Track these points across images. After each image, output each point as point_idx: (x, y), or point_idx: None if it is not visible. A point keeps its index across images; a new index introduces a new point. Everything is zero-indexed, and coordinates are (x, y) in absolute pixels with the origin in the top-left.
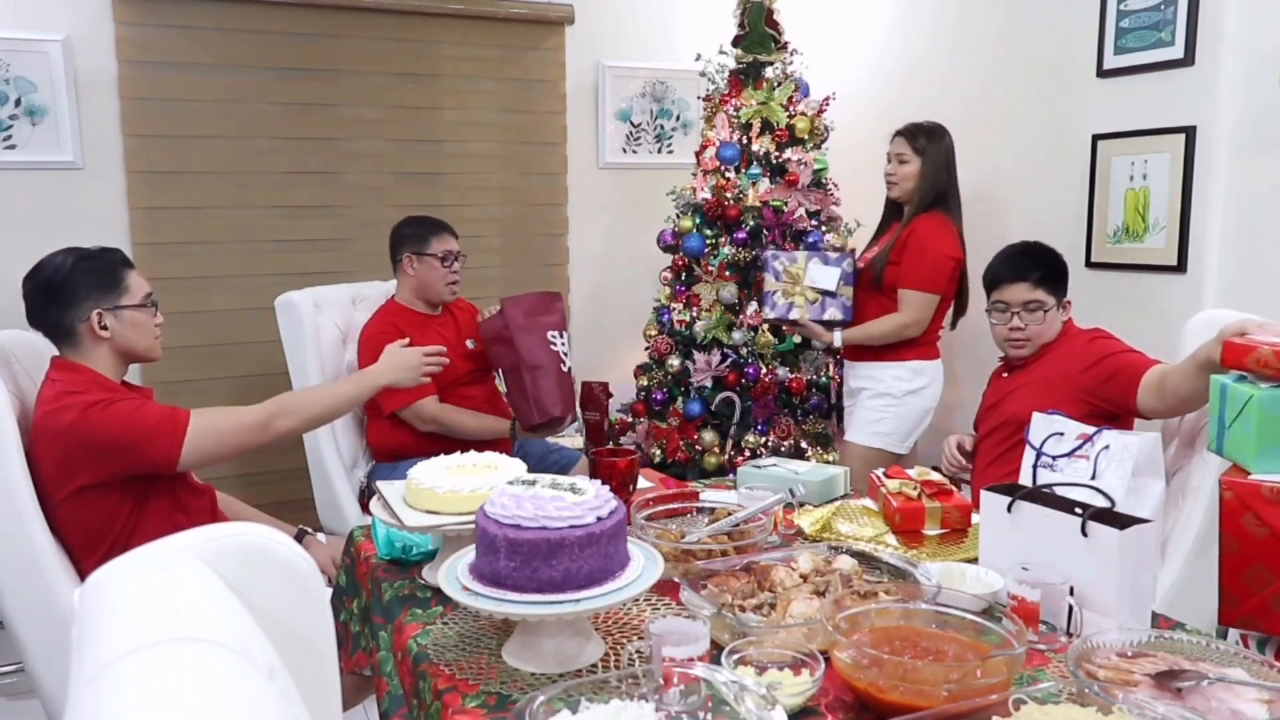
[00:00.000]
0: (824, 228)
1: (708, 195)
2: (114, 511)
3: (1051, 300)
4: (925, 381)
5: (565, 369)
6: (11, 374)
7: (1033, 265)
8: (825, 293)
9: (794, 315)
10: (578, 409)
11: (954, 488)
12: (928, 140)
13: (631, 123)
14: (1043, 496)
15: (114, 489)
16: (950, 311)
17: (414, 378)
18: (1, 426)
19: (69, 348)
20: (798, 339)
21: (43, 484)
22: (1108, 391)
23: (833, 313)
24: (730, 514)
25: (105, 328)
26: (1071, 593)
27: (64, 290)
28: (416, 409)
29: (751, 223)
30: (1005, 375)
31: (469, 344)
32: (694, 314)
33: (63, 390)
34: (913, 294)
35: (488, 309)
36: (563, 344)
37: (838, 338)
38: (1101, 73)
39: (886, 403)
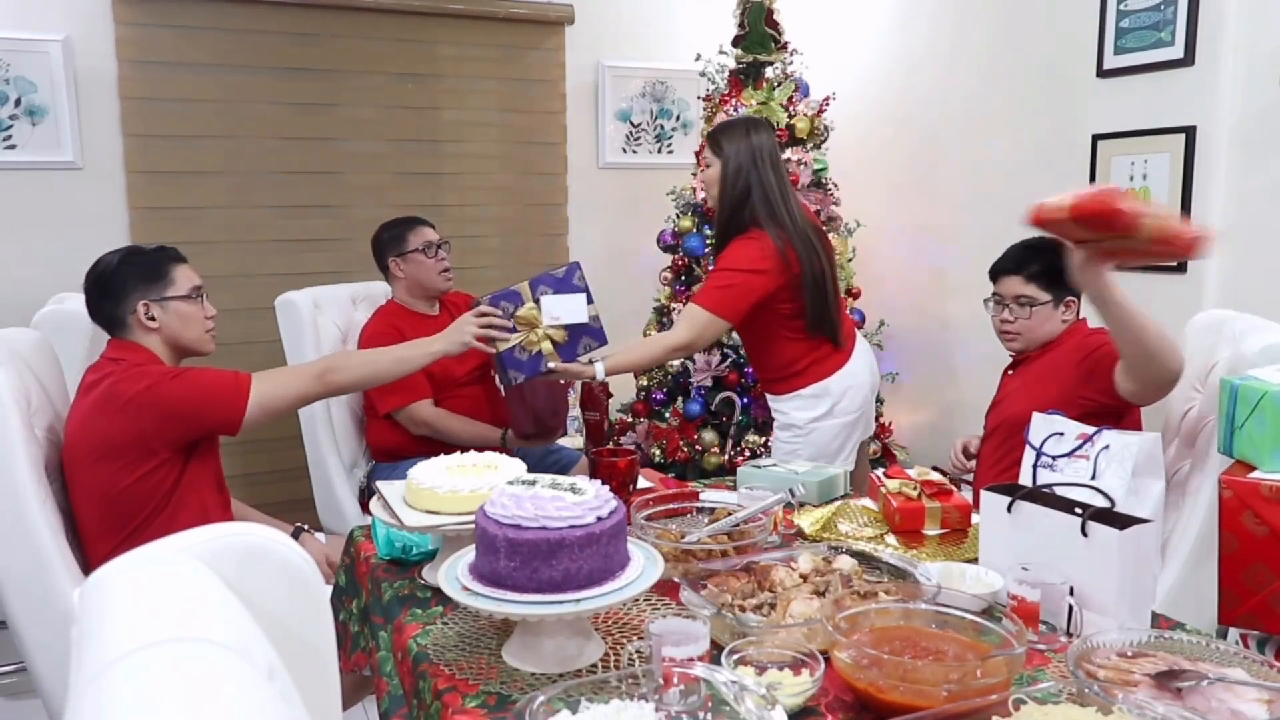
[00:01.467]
0: (824, 228)
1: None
2: (159, 483)
3: (1045, 297)
4: (832, 401)
5: (562, 382)
6: (18, 371)
7: (1030, 260)
8: (575, 325)
9: (551, 366)
10: (575, 415)
11: (954, 488)
12: (726, 140)
13: (631, 123)
14: (1043, 496)
15: (167, 459)
16: (809, 324)
17: (461, 339)
18: (7, 425)
19: (126, 339)
20: None
21: (100, 450)
22: (1096, 383)
23: (588, 343)
24: (730, 514)
25: (153, 319)
26: (1071, 593)
27: (112, 283)
28: (410, 411)
29: None
30: (1010, 372)
31: None
32: None
33: (133, 363)
34: (696, 310)
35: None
36: None
37: (600, 369)
38: (1101, 73)
39: (794, 434)
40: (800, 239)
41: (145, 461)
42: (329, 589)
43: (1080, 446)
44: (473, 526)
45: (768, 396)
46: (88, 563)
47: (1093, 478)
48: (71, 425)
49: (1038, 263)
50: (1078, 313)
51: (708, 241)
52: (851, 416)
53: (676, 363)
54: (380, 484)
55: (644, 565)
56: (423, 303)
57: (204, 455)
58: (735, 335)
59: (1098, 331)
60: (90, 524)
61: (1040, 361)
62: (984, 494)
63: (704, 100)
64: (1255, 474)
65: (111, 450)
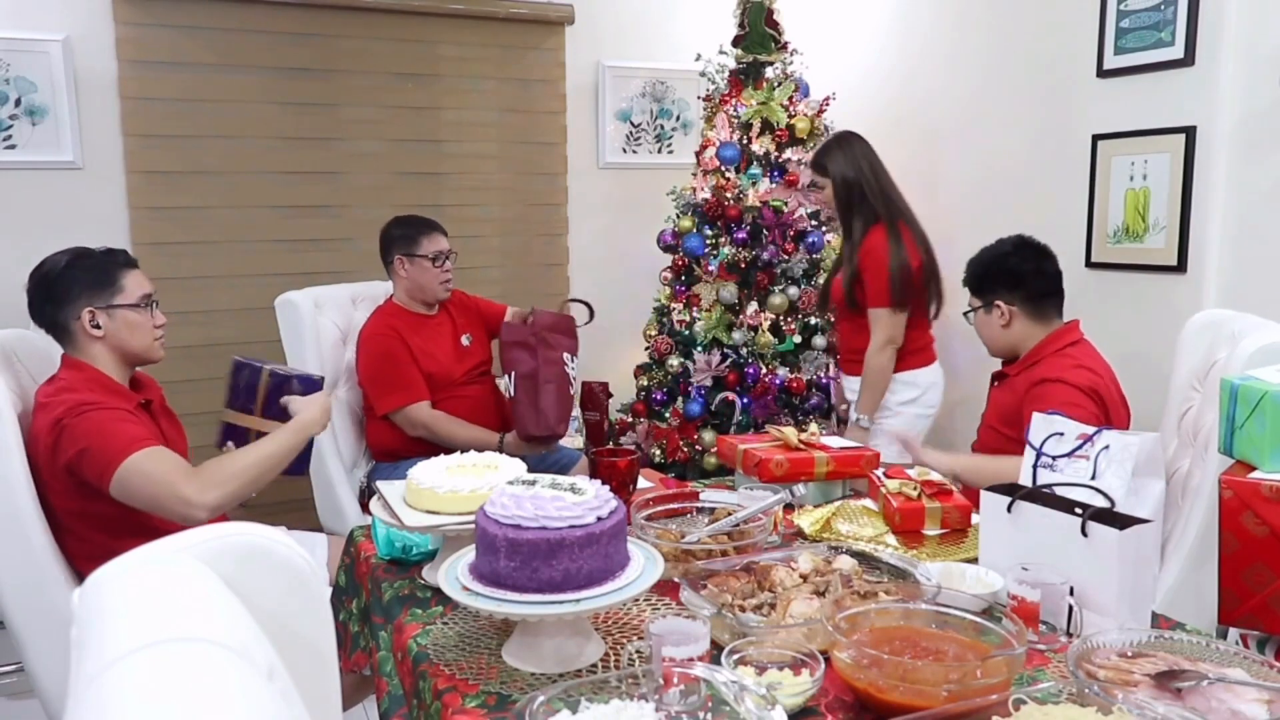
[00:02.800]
0: (824, 228)
1: (708, 195)
2: (97, 505)
3: (976, 302)
4: (919, 391)
5: (570, 392)
6: (14, 373)
7: (967, 269)
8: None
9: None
10: (576, 415)
11: (954, 488)
12: (827, 159)
13: (631, 123)
14: (1043, 496)
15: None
16: (933, 311)
17: (326, 422)
18: (2, 426)
19: (69, 346)
20: (798, 339)
21: (38, 476)
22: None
23: None
24: (730, 514)
25: (98, 326)
26: (1071, 593)
27: (58, 287)
28: (407, 413)
29: (751, 223)
30: (996, 384)
31: (464, 341)
32: (694, 314)
33: (62, 386)
34: (878, 311)
35: (513, 310)
36: (573, 368)
37: (864, 420)
38: (1101, 73)
39: (880, 415)
40: (913, 224)
41: (74, 485)
42: (329, 589)
43: (1080, 446)
44: (473, 526)
45: (854, 379)
46: (77, 572)
47: (1093, 478)
48: (28, 442)
49: (968, 269)
50: (1011, 318)
51: (708, 242)
52: (929, 411)
53: (676, 362)
54: (380, 484)
55: (644, 565)
56: (421, 304)
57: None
58: (736, 335)
59: (1052, 381)
60: (67, 533)
61: (1017, 380)
62: (984, 494)
63: (704, 100)
64: (1255, 474)
65: (46, 474)
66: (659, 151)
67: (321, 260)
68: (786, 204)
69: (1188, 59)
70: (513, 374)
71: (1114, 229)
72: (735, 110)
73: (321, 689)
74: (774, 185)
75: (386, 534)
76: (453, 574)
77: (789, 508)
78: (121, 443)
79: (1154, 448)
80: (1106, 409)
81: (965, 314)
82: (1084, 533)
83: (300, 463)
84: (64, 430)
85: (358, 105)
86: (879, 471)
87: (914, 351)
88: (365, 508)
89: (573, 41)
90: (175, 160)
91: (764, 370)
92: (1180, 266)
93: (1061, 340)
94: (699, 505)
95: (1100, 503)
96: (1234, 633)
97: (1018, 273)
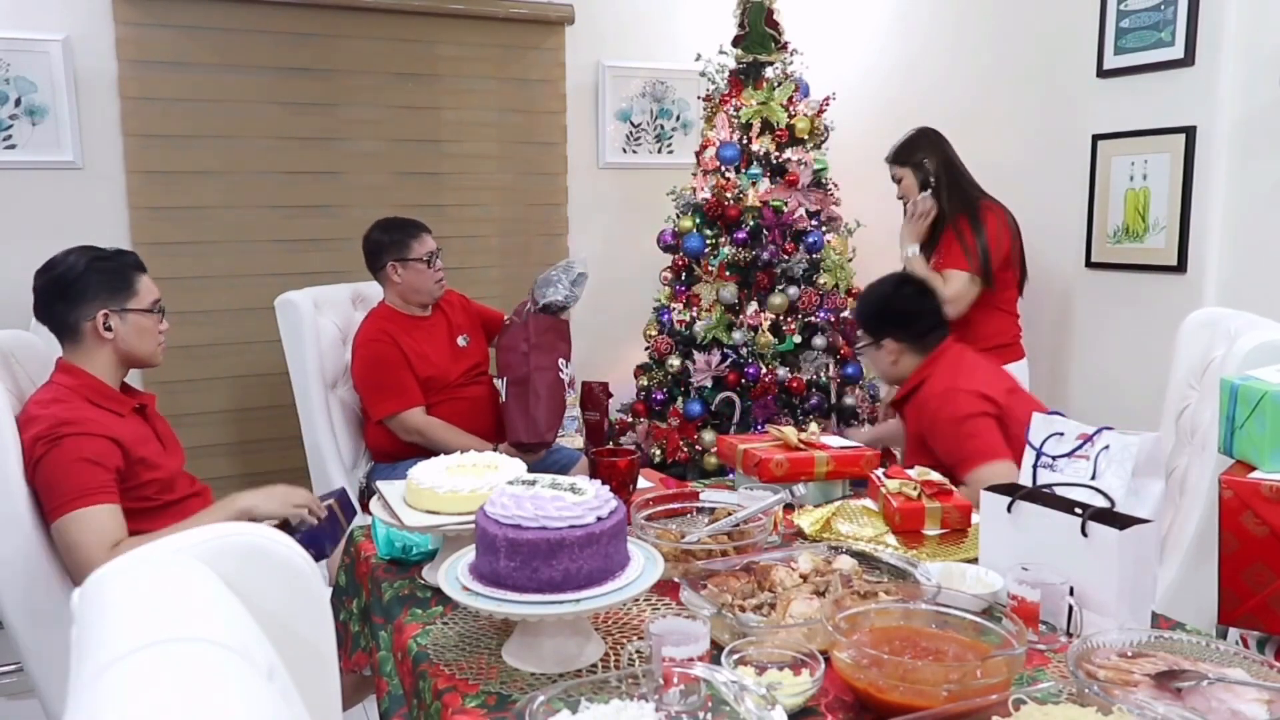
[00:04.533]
0: (824, 228)
1: (708, 195)
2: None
3: (865, 339)
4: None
5: (564, 398)
6: (11, 374)
7: (857, 307)
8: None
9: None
10: (575, 415)
11: (954, 488)
12: (903, 156)
13: (631, 123)
14: (1043, 496)
15: None
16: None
17: (284, 509)
18: (1, 427)
19: (72, 346)
20: (798, 339)
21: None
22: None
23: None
24: (730, 514)
25: (110, 329)
26: (1071, 593)
27: (74, 288)
28: (401, 419)
29: (751, 223)
30: (898, 413)
31: (460, 341)
32: (694, 314)
33: (53, 397)
34: (952, 273)
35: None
36: (567, 373)
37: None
38: (1101, 73)
39: None
40: (1000, 210)
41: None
42: (329, 589)
43: (1080, 446)
44: (473, 526)
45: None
46: None
47: (1093, 478)
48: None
49: (858, 308)
50: (899, 357)
51: (708, 242)
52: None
53: (676, 362)
54: (380, 484)
55: (644, 565)
56: (416, 307)
57: (134, 494)
58: (736, 335)
59: (946, 387)
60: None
61: (910, 407)
62: (984, 494)
63: (704, 100)
64: (1255, 474)
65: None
66: (659, 151)
67: (321, 260)
68: (786, 204)
69: (1188, 59)
70: (505, 379)
71: (1114, 229)
72: (735, 110)
73: (321, 689)
74: (774, 185)
75: (386, 534)
76: (453, 574)
77: (789, 508)
78: (72, 493)
79: (1154, 448)
80: (998, 404)
81: (855, 349)
82: (1084, 533)
83: (332, 538)
84: (39, 455)
85: (358, 105)
86: (879, 471)
87: (1003, 346)
88: (365, 508)
89: (573, 41)
90: (175, 160)
91: (764, 370)
92: (1180, 266)
93: (940, 357)
94: (699, 505)
95: (1100, 503)
96: (1234, 633)
97: (905, 313)
